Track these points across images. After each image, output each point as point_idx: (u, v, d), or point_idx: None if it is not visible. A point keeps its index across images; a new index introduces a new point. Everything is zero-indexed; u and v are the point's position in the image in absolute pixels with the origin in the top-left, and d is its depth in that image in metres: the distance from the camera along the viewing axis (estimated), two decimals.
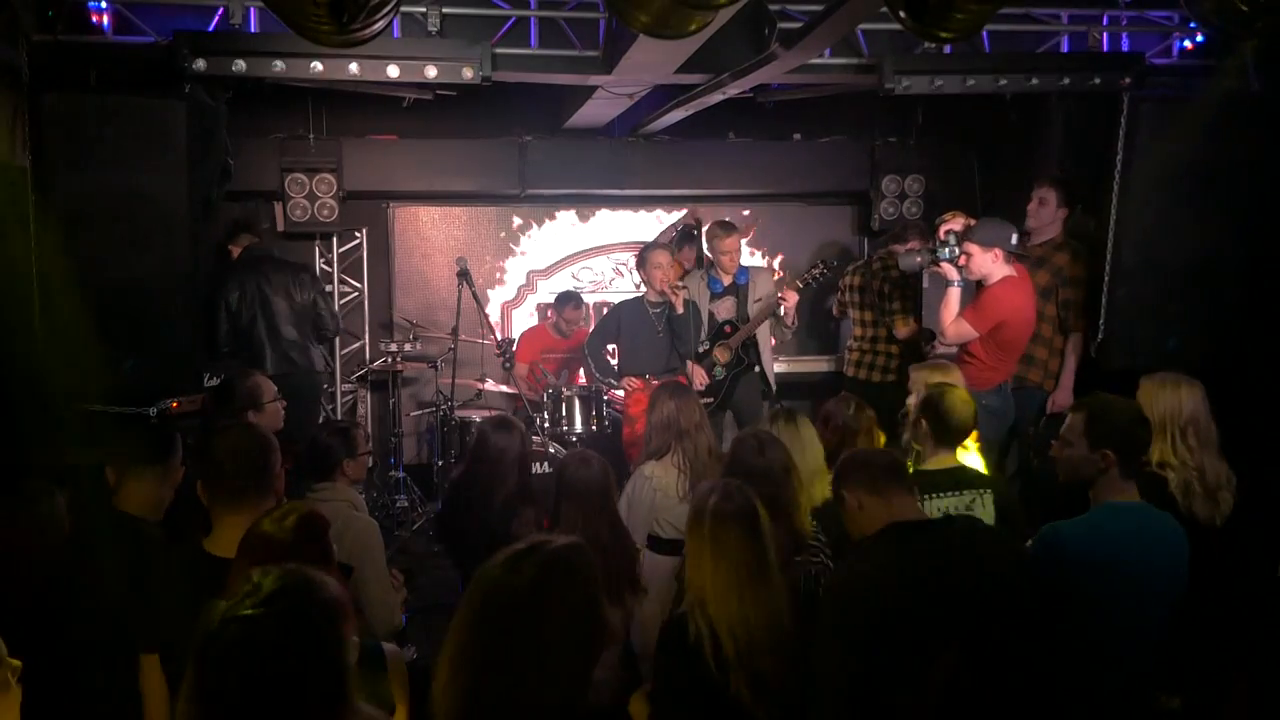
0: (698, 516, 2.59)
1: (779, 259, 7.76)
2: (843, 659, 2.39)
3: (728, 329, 5.80)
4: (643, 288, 6.05)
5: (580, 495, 3.39)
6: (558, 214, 7.69)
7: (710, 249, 5.94)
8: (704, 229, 6.23)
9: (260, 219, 6.68)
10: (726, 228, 5.86)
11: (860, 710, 2.35)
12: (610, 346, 6.13)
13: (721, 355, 5.79)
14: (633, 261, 7.06)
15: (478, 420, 6.45)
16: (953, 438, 3.35)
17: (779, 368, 6.65)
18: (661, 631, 2.61)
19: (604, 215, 7.77)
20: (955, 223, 5.06)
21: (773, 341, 6.01)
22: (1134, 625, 2.70)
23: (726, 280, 5.86)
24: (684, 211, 7.72)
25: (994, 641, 2.34)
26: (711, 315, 5.86)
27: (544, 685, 1.77)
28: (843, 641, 2.41)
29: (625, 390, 5.86)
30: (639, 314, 5.88)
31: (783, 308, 5.55)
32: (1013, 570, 2.55)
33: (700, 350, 5.83)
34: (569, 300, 6.77)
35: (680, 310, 5.68)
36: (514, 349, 6.59)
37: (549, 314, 7.10)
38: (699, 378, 5.75)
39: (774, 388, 5.99)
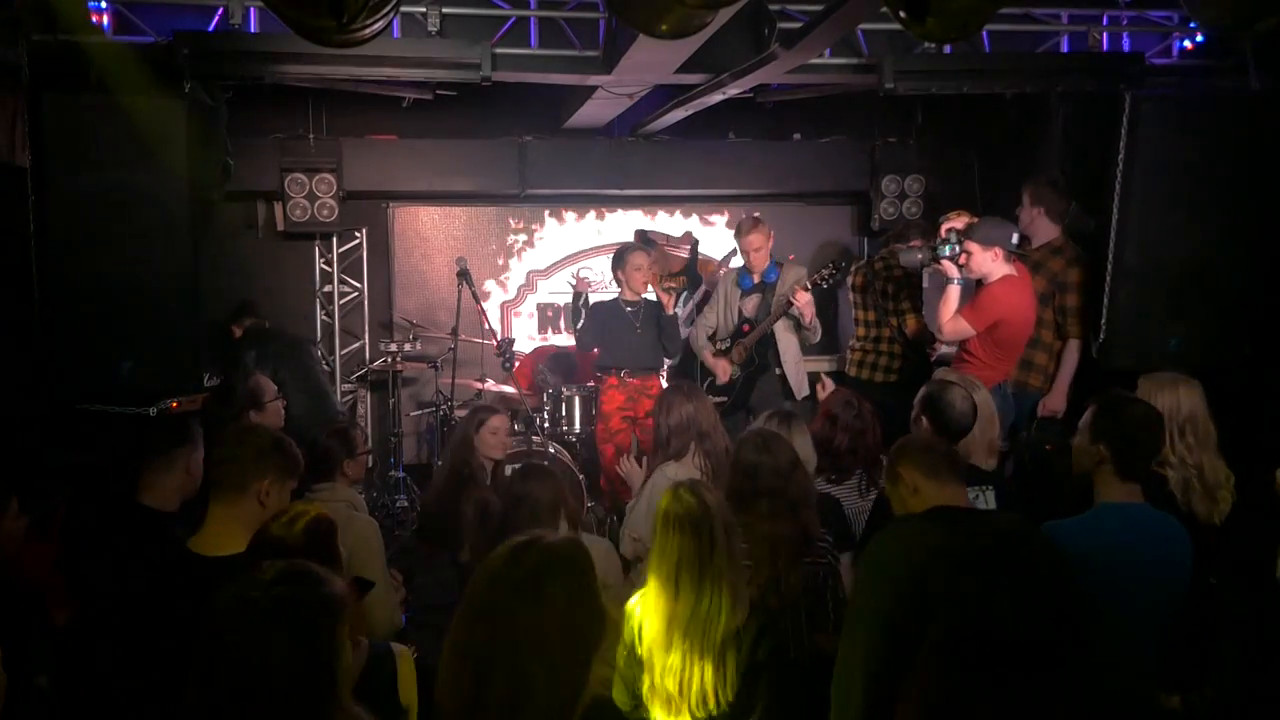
0: (656, 517, 2.63)
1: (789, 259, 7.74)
2: (878, 632, 2.36)
3: (745, 328, 5.78)
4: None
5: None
6: (558, 214, 7.70)
7: (738, 244, 5.91)
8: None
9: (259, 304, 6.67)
10: (751, 223, 5.78)
11: (886, 691, 2.34)
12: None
13: (737, 354, 5.78)
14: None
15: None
16: (954, 434, 3.34)
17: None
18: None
19: (604, 215, 7.77)
20: (958, 221, 5.05)
21: (797, 344, 5.84)
22: (1132, 625, 2.69)
23: (756, 277, 5.82)
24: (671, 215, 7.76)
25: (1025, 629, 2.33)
26: (740, 312, 5.84)
27: (547, 673, 1.80)
28: (880, 612, 2.37)
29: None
30: (615, 313, 5.88)
31: (794, 309, 5.51)
32: (1055, 563, 2.54)
33: (723, 348, 5.82)
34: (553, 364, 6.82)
35: (670, 311, 5.67)
36: (514, 356, 6.60)
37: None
38: (722, 370, 5.75)
39: (797, 393, 5.90)
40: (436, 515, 4.35)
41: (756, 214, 6.12)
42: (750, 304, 5.81)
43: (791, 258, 6.11)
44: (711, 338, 5.92)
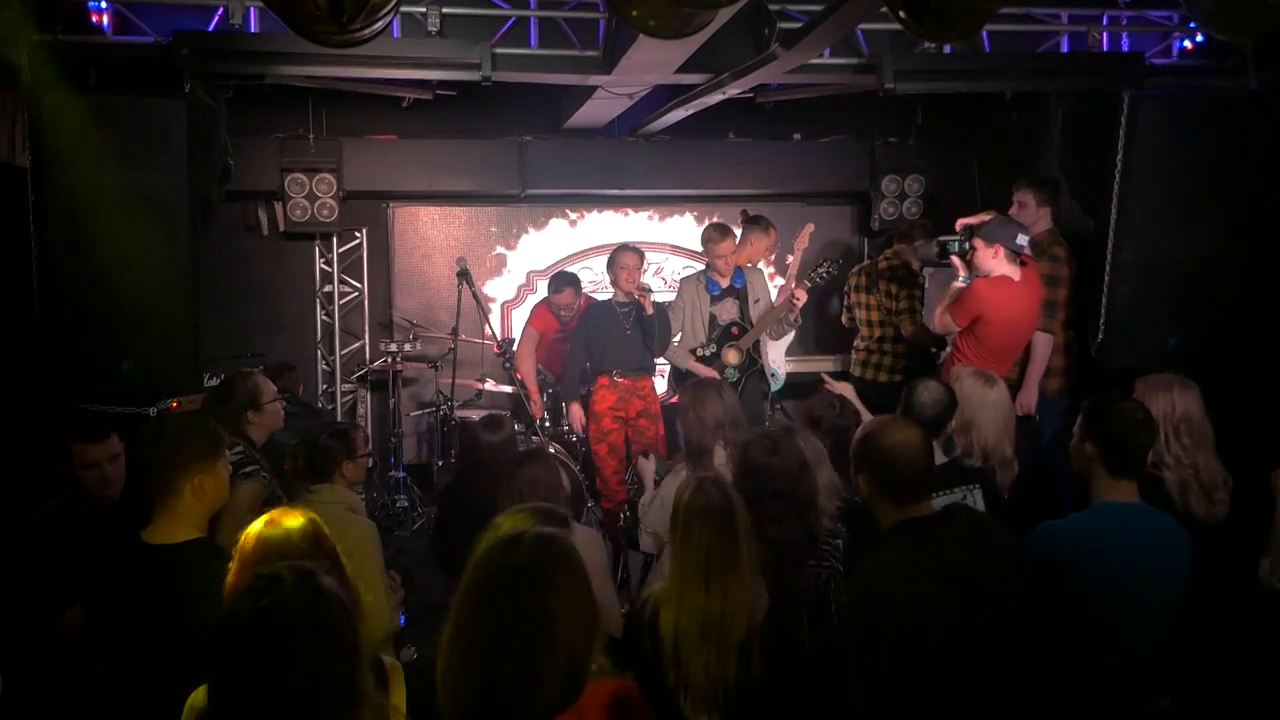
0: (675, 511, 2.61)
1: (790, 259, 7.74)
2: (872, 656, 2.39)
3: (735, 330, 5.79)
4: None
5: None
6: (558, 214, 7.70)
7: (705, 251, 5.92)
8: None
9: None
10: (721, 231, 5.81)
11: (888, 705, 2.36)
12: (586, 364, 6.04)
13: (731, 357, 5.78)
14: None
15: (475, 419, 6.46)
16: (925, 429, 3.32)
17: (787, 367, 6.60)
18: (626, 619, 2.63)
19: (604, 215, 7.78)
20: (974, 219, 5.05)
21: (771, 340, 5.96)
22: (1128, 625, 2.69)
23: (724, 283, 5.83)
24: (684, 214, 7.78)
25: (1002, 631, 2.34)
26: (713, 318, 5.84)
27: (554, 661, 1.81)
28: (870, 638, 2.41)
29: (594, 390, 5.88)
30: (608, 314, 5.90)
31: (796, 306, 5.54)
32: (1016, 560, 2.55)
33: (707, 353, 5.83)
34: (554, 284, 6.54)
35: (650, 311, 5.69)
36: (523, 332, 6.59)
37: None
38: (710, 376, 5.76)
39: (773, 386, 5.96)
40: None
41: (717, 220, 6.12)
42: (726, 309, 5.82)
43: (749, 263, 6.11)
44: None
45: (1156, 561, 2.71)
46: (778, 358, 6.00)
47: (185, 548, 2.56)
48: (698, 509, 2.55)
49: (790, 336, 6.21)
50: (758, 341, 5.81)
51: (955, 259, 4.83)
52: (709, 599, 2.45)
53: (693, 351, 5.86)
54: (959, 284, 4.80)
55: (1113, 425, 2.78)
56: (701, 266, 7.69)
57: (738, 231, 6.05)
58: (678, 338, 5.91)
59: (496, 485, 3.40)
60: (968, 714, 2.33)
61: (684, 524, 2.55)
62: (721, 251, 5.75)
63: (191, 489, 2.60)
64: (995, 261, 4.71)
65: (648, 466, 4.24)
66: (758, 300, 5.79)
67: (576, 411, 5.93)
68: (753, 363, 5.80)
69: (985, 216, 5.01)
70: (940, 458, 3.31)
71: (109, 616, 2.52)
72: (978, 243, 4.75)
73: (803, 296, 5.55)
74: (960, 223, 5.01)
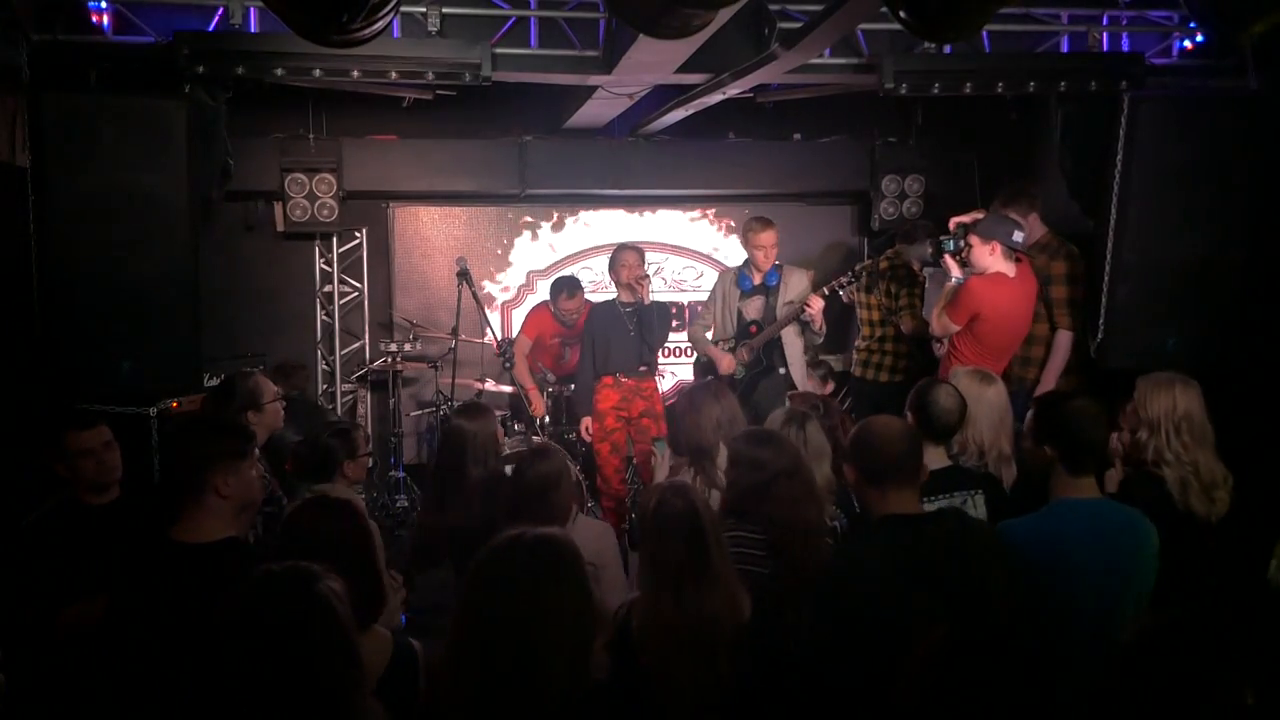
0: (641, 524, 2.60)
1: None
2: (834, 647, 2.39)
3: (753, 329, 5.76)
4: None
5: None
6: (558, 214, 7.71)
7: (745, 243, 5.84)
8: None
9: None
10: (763, 222, 5.73)
11: (849, 698, 2.36)
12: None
13: (743, 355, 5.77)
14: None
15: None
16: (938, 433, 3.31)
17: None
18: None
19: (604, 215, 7.78)
20: (966, 217, 5.05)
21: (802, 346, 5.81)
22: (1095, 620, 2.67)
23: (756, 279, 5.76)
24: (695, 213, 7.76)
25: (979, 633, 2.34)
26: (740, 313, 5.81)
27: (555, 661, 1.82)
28: (834, 631, 2.42)
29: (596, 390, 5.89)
30: (612, 315, 5.90)
31: (807, 313, 5.48)
32: (1000, 563, 2.55)
33: (727, 347, 5.82)
34: (561, 290, 6.48)
35: (647, 301, 5.69)
36: (515, 341, 6.59)
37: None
38: (726, 364, 5.74)
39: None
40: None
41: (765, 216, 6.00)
42: (754, 306, 5.78)
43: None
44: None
45: (1119, 554, 2.71)
46: (796, 362, 5.84)
47: (217, 547, 2.59)
48: (663, 518, 2.53)
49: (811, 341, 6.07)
50: (779, 344, 5.74)
51: (949, 259, 4.82)
52: (683, 611, 2.43)
53: (715, 343, 5.86)
54: (952, 284, 4.80)
55: (1066, 425, 2.81)
56: (700, 266, 7.86)
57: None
58: (710, 332, 5.91)
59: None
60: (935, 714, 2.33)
61: (650, 536, 2.53)
62: (759, 243, 5.66)
63: (216, 488, 2.63)
64: (992, 258, 4.73)
65: (661, 459, 4.23)
66: (790, 302, 5.65)
67: (586, 424, 5.97)
68: (759, 363, 5.75)
69: (977, 214, 5.03)
70: (943, 461, 3.31)
71: (136, 612, 2.53)
72: (974, 239, 4.76)
73: (816, 304, 5.44)
74: (954, 221, 5.02)
